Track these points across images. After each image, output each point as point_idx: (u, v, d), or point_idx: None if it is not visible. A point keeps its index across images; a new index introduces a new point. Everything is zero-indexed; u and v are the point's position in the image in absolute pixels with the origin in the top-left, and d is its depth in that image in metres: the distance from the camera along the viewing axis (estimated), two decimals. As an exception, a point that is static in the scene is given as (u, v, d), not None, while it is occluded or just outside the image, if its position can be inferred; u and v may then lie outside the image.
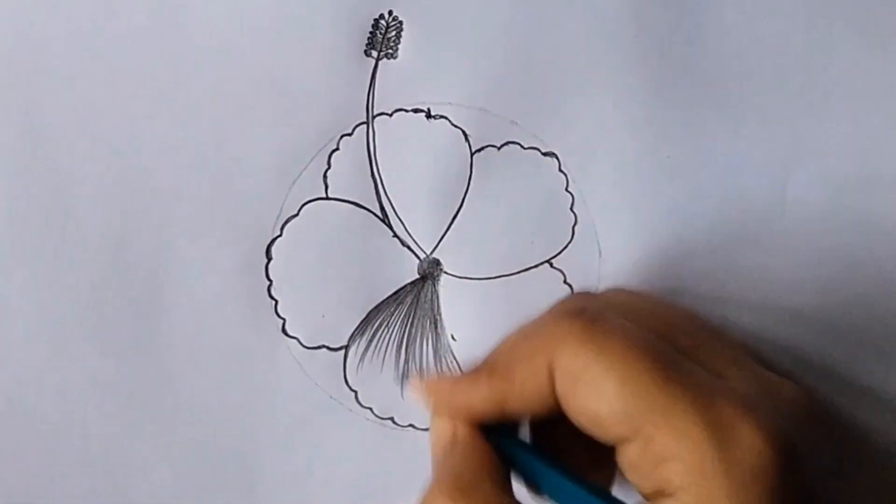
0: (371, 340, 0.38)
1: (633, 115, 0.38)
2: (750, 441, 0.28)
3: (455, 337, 0.39)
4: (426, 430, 0.38)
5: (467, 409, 0.32)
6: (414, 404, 0.38)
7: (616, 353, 0.29)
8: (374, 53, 0.37)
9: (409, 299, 0.38)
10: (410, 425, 0.39)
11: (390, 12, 0.37)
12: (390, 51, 0.37)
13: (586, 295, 0.34)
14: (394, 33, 0.37)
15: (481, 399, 0.31)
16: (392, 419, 0.39)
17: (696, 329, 0.33)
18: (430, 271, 0.38)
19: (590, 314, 0.30)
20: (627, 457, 0.29)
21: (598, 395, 0.29)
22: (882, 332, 0.39)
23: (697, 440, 0.28)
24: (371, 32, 0.37)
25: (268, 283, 0.38)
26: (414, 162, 0.38)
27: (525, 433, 0.33)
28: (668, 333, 0.31)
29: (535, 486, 0.32)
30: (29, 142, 0.36)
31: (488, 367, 0.32)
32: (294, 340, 0.38)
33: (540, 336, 0.31)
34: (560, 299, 0.35)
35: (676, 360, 0.30)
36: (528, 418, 0.33)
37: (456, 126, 0.38)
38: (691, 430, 0.28)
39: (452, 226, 0.38)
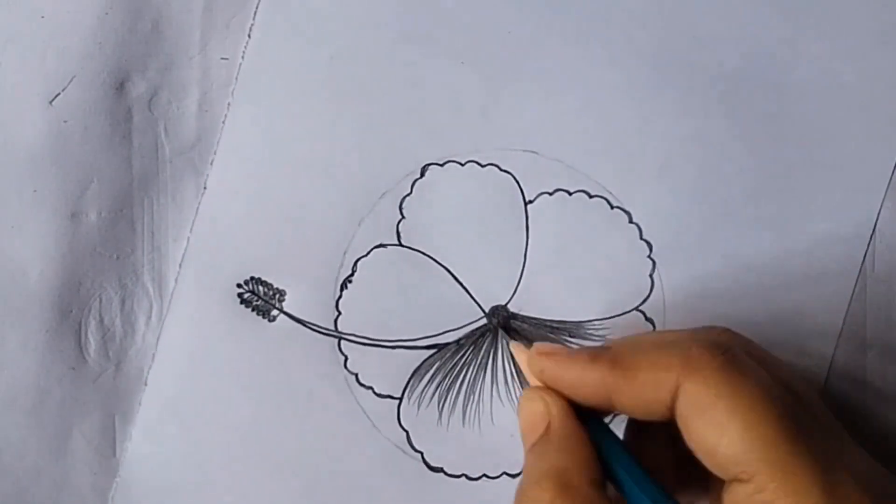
0: (432, 388, 0.39)
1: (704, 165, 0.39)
2: None
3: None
4: (476, 479, 0.39)
5: (575, 386, 0.32)
6: (466, 454, 0.38)
7: (748, 397, 0.29)
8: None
9: (474, 347, 0.39)
10: (463, 475, 0.39)
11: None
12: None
13: (729, 332, 0.34)
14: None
15: (594, 382, 0.32)
16: (443, 469, 0.39)
17: (811, 397, 0.33)
18: (499, 320, 0.39)
19: (732, 352, 0.31)
20: (734, 495, 0.29)
21: (721, 431, 0.29)
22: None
23: (811, 500, 0.28)
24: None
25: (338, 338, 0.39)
26: (473, 210, 0.39)
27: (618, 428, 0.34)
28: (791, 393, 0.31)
29: (616, 483, 0.31)
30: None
31: (612, 355, 0.32)
32: (368, 390, 0.39)
33: (676, 353, 0.31)
34: (702, 327, 0.35)
35: (802, 419, 0.30)
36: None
37: (507, 171, 0.39)
38: (808, 489, 0.28)
39: (523, 275, 0.39)
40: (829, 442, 0.30)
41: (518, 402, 0.33)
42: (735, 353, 0.31)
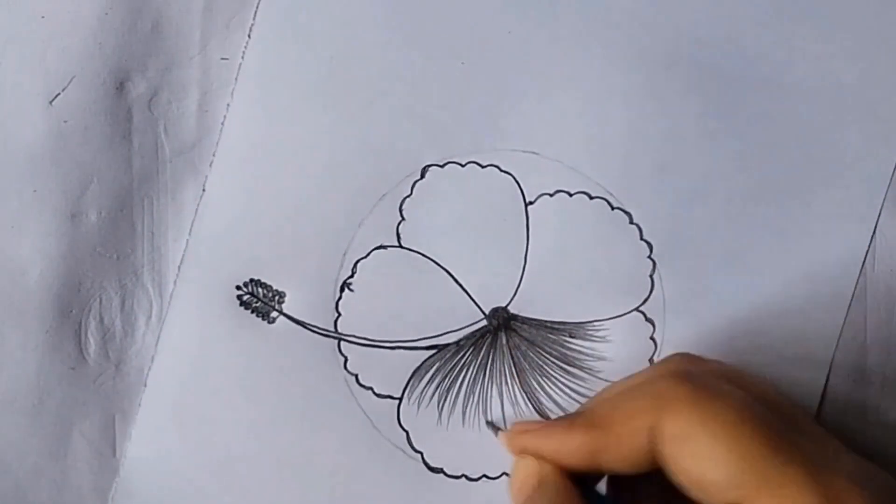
0: (432, 388, 0.39)
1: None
2: None
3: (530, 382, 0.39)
4: (476, 479, 0.39)
5: (558, 455, 0.32)
6: (466, 454, 0.38)
7: (725, 420, 0.29)
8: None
9: (474, 348, 0.39)
10: (463, 475, 0.39)
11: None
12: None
13: (692, 357, 0.35)
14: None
15: (575, 448, 0.32)
16: (443, 470, 0.39)
17: (790, 406, 0.33)
18: (500, 322, 0.39)
19: (699, 379, 0.31)
20: None
21: (706, 460, 0.29)
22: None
23: None
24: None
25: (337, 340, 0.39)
26: (473, 211, 0.39)
27: (602, 486, 0.34)
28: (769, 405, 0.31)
29: None
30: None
31: (586, 417, 0.32)
32: (368, 391, 0.39)
33: (645, 395, 0.31)
34: (665, 359, 0.35)
35: (785, 430, 0.30)
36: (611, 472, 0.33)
37: (507, 172, 0.39)
38: (802, 500, 0.28)
39: (523, 276, 0.39)
40: (815, 446, 0.30)
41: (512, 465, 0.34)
42: (702, 379, 0.31)
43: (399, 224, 0.39)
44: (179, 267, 0.39)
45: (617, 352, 0.38)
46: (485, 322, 0.39)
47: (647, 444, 0.30)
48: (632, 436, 0.31)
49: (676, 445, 0.30)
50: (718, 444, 0.29)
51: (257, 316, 0.38)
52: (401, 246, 0.39)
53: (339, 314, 0.39)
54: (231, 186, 0.39)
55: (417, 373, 0.39)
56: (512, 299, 0.39)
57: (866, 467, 0.31)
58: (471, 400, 0.39)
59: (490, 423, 0.38)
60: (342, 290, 0.39)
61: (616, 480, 0.34)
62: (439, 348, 0.39)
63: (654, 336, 0.38)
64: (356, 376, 0.39)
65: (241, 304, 0.39)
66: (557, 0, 0.39)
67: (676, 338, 0.38)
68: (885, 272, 0.38)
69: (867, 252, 0.38)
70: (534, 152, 0.39)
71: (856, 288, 0.38)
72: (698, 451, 0.29)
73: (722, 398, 0.30)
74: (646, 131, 0.39)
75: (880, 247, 0.38)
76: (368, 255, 0.39)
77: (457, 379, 0.39)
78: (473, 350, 0.39)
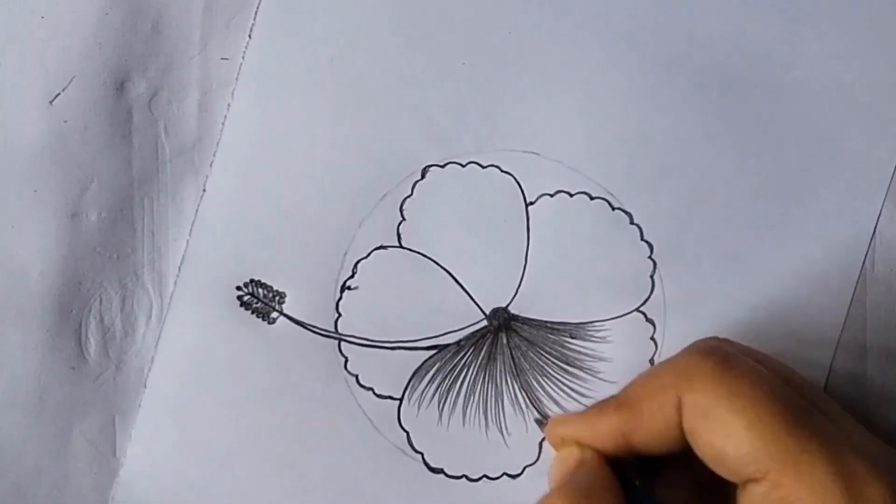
0: (432, 388, 0.39)
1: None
2: (881, 501, 0.28)
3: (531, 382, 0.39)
4: (477, 480, 0.39)
5: (593, 440, 0.33)
6: (467, 455, 0.38)
7: (747, 394, 0.30)
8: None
9: (475, 349, 0.39)
10: (464, 476, 0.39)
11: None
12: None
13: (719, 339, 0.35)
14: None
15: (608, 429, 0.32)
16: (443, 470, 0.39)
17: (816, 389, 0.33)
18: (500, 322, 0.39)
19: (722, 353, 0.31)
20: (750, 497, 0.29)
21: (727, 434, 0.29)
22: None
23: (828, 490, 0.28)
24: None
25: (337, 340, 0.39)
26: (474, 211, 0.39)
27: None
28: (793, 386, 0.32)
29: None
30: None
31: (616, 400, 0.33)
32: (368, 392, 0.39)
33: (671, 372, 0.32)
34: (696, 341, 0.35)
35: (805, 408, 0.30)
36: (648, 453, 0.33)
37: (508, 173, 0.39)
38: (822, 479, 0.28)
39: (524, 276, 0.39)
40: (837, 429, 0.30)
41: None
42: (727, 353, 0.31)
43: (399, 224, 0.39)
44: (179, 267, 0.39)
45: (617, 352, 0.38)
46: (485, 322, 0.39)
47: (676, 419, 0.31)
48: (659, 411, 0.31)
49: (699, 419, 0.30)
50: (739, 418, 0.29)
51: (257, 316, 0.38)
52: (401, 246, 0.39)
53: (340, 314, 0.39)
54: (231, 186, 0.39)
55: (418, 373, 0.39)
56: (512, 299, 0.39)
57: (889, 452, 0.31)
58: (471, 400, 0.39)
59: (538, 421, 0.38)
60: (342, 290, 0.39)
61: (646, 470, 0.34)
62: (440, 349, 0.39)
63: (655, 336, 0.38)
64: (356, 377, 0.39)
65: (241, 305, 0.39)
66: (558, 0, 0.39)
67: (677, 338, 0.38)
68: (885, 272, 0.38)
69: (867, 252, 0.38)
70: (534, 153, 0.39)
71: (856, 288, 0.38)
72: (719, 426, 0.30)
73: (745, 374, 0.30)
74: (646, 132, 0.39)
75: (880, 247, 0.39)
76: (369, 255, 0.39)
77: (457, 379, 0.39)
78: (474, 350, 0.39)
